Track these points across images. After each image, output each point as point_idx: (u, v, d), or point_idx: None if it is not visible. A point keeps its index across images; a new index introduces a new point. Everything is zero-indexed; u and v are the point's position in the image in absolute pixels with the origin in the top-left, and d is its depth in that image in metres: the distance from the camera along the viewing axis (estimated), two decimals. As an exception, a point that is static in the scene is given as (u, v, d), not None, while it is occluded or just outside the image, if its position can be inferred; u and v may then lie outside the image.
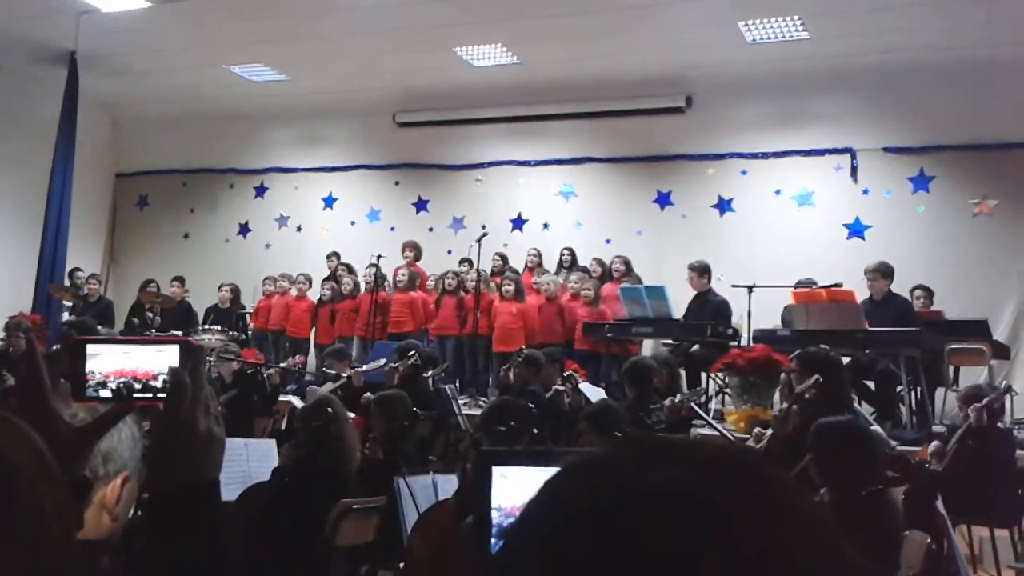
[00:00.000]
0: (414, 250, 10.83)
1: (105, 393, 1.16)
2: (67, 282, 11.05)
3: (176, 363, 1.13)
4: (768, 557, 0.51)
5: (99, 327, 8.68)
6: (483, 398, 8.72)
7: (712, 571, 0.50)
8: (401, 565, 3.92)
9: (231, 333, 9.99)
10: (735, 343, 8.16)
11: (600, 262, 10.05)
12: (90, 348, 1.16)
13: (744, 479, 0.55)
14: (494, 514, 1.06)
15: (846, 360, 6.49)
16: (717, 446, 0.60)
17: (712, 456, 0.58)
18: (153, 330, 10.05)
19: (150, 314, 10.56)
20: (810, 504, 0.57)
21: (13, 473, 0.78)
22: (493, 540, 1.05)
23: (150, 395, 1.15)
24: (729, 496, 0.53)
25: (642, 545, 0.51)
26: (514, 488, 1.06)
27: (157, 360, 1.15)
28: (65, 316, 10.61)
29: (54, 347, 9.06)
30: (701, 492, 0.53)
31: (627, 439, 0.62)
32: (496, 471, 1.09)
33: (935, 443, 5.44)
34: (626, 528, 0.52)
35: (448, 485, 4.37)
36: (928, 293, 8.61)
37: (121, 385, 1.15)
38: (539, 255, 10.52)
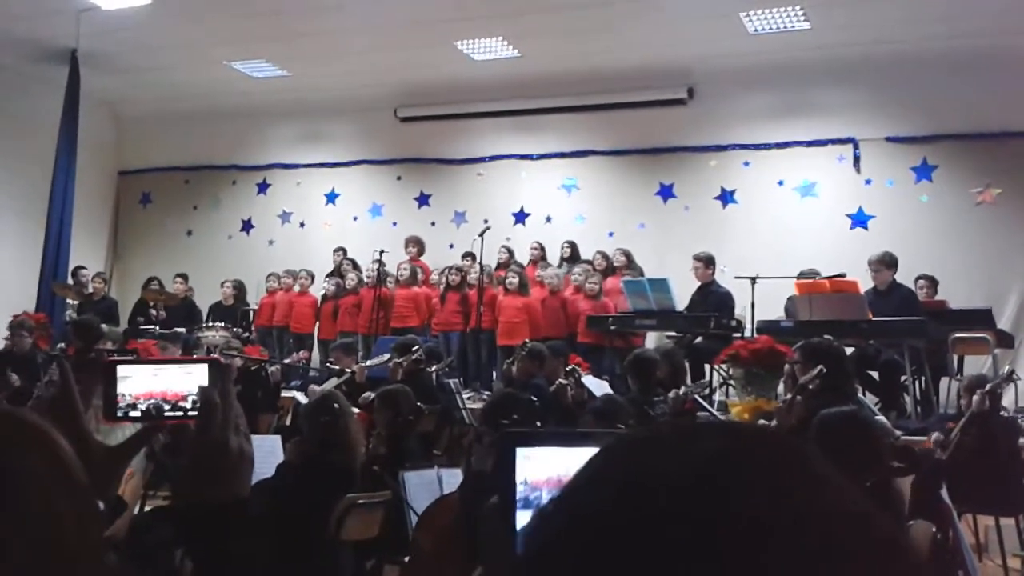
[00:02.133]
0: (417, 245, 10.84)
1: (135, 413, 1.19)
2: (71, 280, 11.06)
3: (205, 382, 1.16)
4: (810, 528, 0.52)
5: (104, 325, 8.68)
6: (487, 392, 8.73)
7: (758, 545, 0.50)
8: (407, 559, 3.94)
9: (235, 330, 9.99)
10: (738, 335, 8.16)
11: (604, 255, 10.03)
12: (120, 370, 1.20)
13: (789, 454, 0.57)
14: (520, 488, 1.06)
15: (850, 350, 6.50)
16: (756, 425, 0.62)
17: (755, 432, 0.60)
18: (157, 327, 10.07)
19: (154, 312, 10.57)
20: (842, 477, 0.58)
21: (20, 474, 0.78)
22: (518, 519, 1.05)
23: (180, 414, 1.19)
24: (776, 469, 0.55)
25: (688, 519, 0.51)
26: (539, 469, 1.05)
27: (186, 382, 1.19)
28: (69, 314, 10.63)
29: (58, 345, 9.09)
30: (748, 465, 0.54)
31: (668, 420, 0.63)
32: (520, 452, 1.08)
33: (936, 434, 5.44)
34: (670, 503, 0.52)
35: (453, 479, 4.37)
36: (932, 282, 8.60)
37: (151, 406, 1.19)
38: (542, 248, 10.50)
